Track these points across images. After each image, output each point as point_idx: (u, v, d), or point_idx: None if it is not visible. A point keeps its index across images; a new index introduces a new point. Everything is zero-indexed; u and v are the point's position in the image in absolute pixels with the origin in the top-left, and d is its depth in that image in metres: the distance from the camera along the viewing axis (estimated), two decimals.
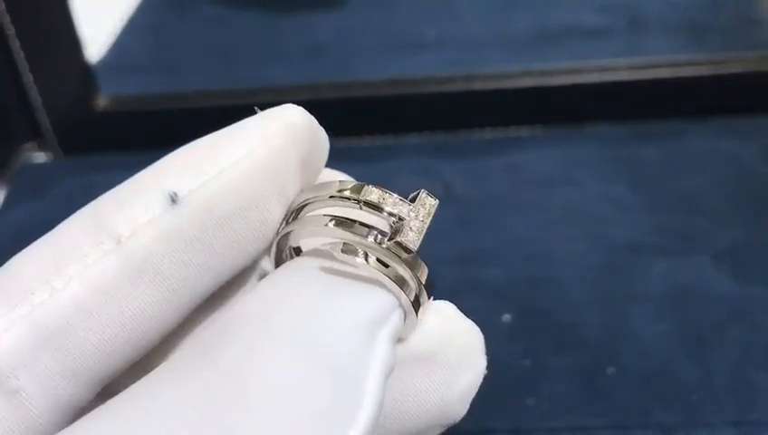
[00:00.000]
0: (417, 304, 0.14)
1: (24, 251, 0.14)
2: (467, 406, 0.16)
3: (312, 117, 0.15)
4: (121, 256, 0.13)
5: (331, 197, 0.14)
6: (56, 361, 0.12)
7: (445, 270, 0.32)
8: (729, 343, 0.29)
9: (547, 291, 0.32)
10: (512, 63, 0.42)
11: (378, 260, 0.14)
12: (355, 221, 0.14)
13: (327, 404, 0.12)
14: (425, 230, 0.14)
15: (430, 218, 0.15)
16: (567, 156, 0.39)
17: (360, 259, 0.14)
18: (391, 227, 0.14)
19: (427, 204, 0.15)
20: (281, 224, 0.15)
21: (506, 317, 0.31)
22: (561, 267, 0.33)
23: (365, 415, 0.12)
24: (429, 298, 0.15)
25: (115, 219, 0.13)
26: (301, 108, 0.15)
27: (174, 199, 0.13)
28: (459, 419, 0.16)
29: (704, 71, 0.40)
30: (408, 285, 0.14)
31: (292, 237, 0.15)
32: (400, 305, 0.14)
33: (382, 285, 0.14)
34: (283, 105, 0.15)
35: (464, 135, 0.41)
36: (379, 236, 0.14)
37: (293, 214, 0.15)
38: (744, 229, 0.34)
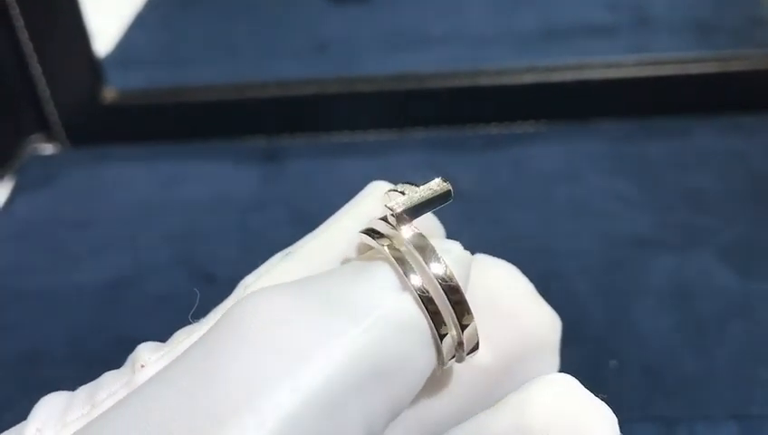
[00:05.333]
0: (439, 320, 0.14)
1: None
2: None
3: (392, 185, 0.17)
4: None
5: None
6: None
7: None
8: (731, 338, 0.29)
9: (551, 285, 0.32)
10: (518, 60, 0.42)
11: (375, 231, 0.15)
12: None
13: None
14: (417, 202, 0.15)
15: (431, 194, 0.15)
16: (572, 152, 0.39)
17: (378, 243, 0.15)
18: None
19: (434, 184, 0.16)
20: None
21: None
22: (565, 261, 0.33)
23: (307, 378, 0.12)
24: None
25: (248, 277, 0.16)
26: (384, 181, 0.18)
27: (287, 255, 0.16)
28: None
29: (710, 68, 0.40)
30: (435, 304, 0.14)
31: None
32: (400, 277, 0.14)
33: (388, 262, 0.14)
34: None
35: (469, 130, 0.41)
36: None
37: None
38: (748, 225, 0.34)
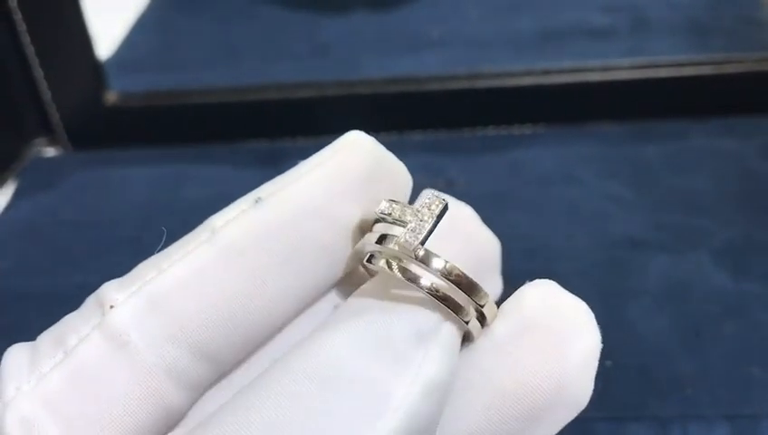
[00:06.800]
0: (458, 309, 0.15)
1: None
2: (591, 385, 0.15)
3: (373, 139, 0.17)
4: (213, 242, 0.15)
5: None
6: (159, 324, 0.15)
7: None
8: (725, 339, 0.29)
9: None
10: (515, 63, 0.43)
11: (388, 262, 0.15)
12: (386, 235, 0.16)
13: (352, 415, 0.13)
14: (426, 230, 0.15)
15: (434, 218, 0.15)
16: (569, 154, 0.39)
17: (381, 265, 0.15)
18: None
19: (433, 206, 0.16)
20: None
21: None
22: (560, 262, 0.33)
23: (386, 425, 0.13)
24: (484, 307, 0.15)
25: (215, 218, 0.16)
26: (362, 132, 0.17)
27: (257, 201, 0.16)
28: (585, 400, 0.15)
29: (705, 71, 0.40)
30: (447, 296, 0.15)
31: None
32: (445, 319, 0.15)
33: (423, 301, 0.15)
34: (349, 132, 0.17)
35: (467, 133, 0.42)
36: (393, 244, 0.15)
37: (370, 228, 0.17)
38: (743, 227, 0.34)
